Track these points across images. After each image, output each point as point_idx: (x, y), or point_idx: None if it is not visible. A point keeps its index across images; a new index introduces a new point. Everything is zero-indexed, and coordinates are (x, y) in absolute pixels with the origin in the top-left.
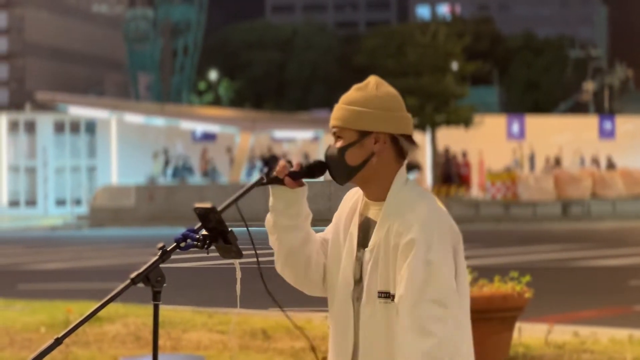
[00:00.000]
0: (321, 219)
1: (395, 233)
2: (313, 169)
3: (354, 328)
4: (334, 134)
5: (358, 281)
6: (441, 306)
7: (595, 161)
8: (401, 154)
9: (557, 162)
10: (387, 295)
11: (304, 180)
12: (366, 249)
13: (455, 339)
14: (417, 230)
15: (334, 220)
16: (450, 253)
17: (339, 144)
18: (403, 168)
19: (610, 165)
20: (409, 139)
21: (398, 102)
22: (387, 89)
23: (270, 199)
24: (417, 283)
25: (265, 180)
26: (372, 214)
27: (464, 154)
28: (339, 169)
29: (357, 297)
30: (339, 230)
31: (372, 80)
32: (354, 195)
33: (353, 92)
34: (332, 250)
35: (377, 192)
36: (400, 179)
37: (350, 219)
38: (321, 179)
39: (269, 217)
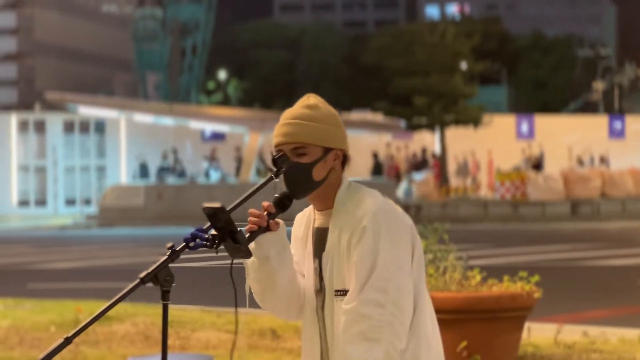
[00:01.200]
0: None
1: (349, 230)
2: (285, 200)
3: (319, 336)
4: (291, 150)
5: (319, 291)
6: (380, 291)
7: (603, 160)
8: (343, 168)
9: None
10: (344, 293)
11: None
12: (323, 254)
13: (394, 322)
14: (367, 220)
15: (291, 246)
16: (401, 240)
17: (306, 159)
18: (345, 177)
19: (602, 161)
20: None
21: (340, 117)
22: (330, 107)
23: (259, 253)
24: (364, 272)
25: (274, 180)
26: (321, 222)
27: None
28: (302, 184)
29: (321, 306)
30: (299, 253)
31: (317, 98)
32: (302, 216)
33: (305, 110)
34: (300, 270)
35: (326, 202)
36: (344, 185)
37: (305, 237)
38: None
39: (259, 273)
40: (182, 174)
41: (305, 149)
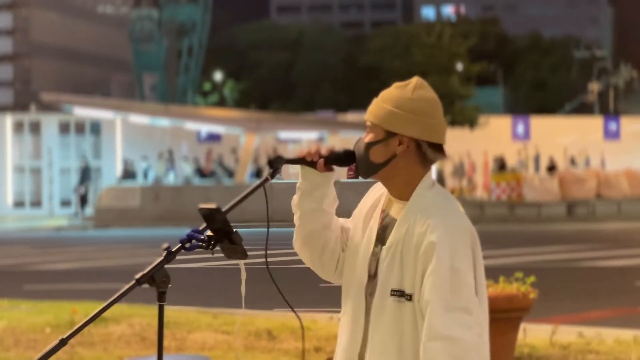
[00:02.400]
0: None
1: (418, 233)
2: (342, 157)
3: (364, 322)
4: (366, 127)
5: (372, 276)
6: (468, 313)
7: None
8: (426, 160)
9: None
10: (400, 294)
11: (334, 167)
12: (384, 247)
13: (480, 344)
14: (441, 234)
15: (354, 213)
16: (471, 258)
17: (368, 138)
18: (430, 173)
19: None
20: (437, 146)
21: (431, 108)
22: (424, 92)
23: (299, 179)
24: (444, 289)
25: (270, 181)
26: (393, 211)
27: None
28: (362, 163)
29: (370, 293)
30: (359, 224)
31: (414, 81)
32: (378, 191)
33: (392, 90)
34: (350, 244)
35: (400, 191)
36: (426, 181)
37: (371, 213)
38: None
39: (295, 196)
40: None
41: (372, 128)
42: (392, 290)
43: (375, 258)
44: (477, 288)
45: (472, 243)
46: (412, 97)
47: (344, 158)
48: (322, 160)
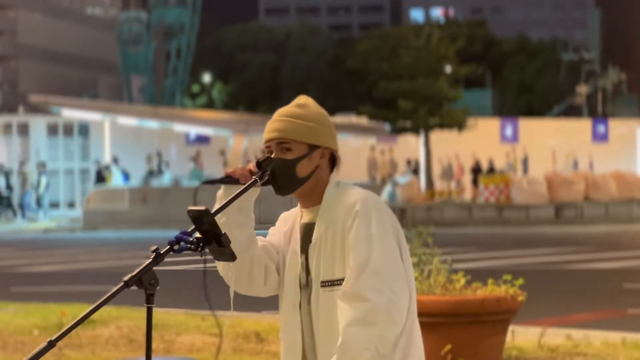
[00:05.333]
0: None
1: (340, 220)
2: (262, 165)
3: (301, 331)
4: (277, 144)
5: (305, 285)
6: (378, 275)
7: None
8: (332, 168)
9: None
10: (331, 284)
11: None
12: (309, 247)
13: (390, 307)
14: (359, 205)
15: (272, 231)
16: (390, 230)
17: (291, 155)
18: (333, 176)
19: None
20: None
21: (330, 121)
22: (321, 108)
23: (224, 197)
24: (361, 258)
25: (259, 182)
26: (308, 218)
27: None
28: (286, 180)
29: (307, 300)
30: (283, 246)
31: (307, 99)
32: (289, 215)
33: (294, 108)
34: (281, 266)
35: (313, 199)
36: (332, 182)
37: (290, 232)
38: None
39: (218, 217)
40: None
41: (290, 144)
42: (321, 282)
43: (303, 268)
44: (402, 254)
45: (387, 212)
46: (322, 113)
47: (265, 164)
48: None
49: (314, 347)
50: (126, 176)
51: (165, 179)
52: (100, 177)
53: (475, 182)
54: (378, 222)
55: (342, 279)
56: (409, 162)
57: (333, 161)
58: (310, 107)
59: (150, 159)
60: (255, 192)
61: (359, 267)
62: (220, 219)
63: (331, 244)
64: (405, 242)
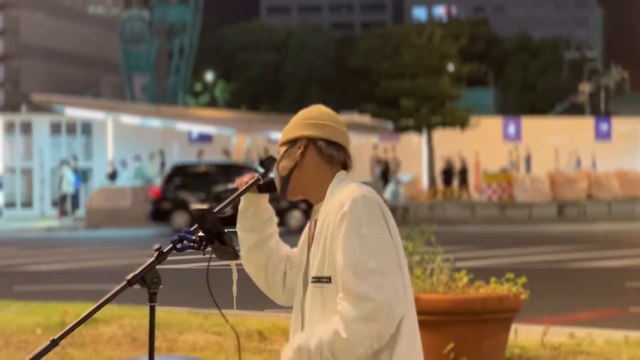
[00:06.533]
0: None
1: (329, 216)
2: (265, 165)
3: (301, 327)
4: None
5: (305, 283)
6: (379, 274)
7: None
8: (329, 159)
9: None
10: (318, 280)
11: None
12: (312, 244)
13: (392, 305)
14: (347, 206)
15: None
16: (384, 229)
17: (278, 157)
18: (341, 172)
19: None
20: (337, 146)
21: (327, 115)
22: (321, 108)
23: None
24: (354, 254)
25: (261, 182)
26: (316, 215)
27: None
28: (278, 182)
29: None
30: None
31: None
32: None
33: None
34: (299, 253)
35: (317, 196)
36: (338, 177)
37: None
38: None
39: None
40: (113, 176)
41: (280, 149)
42: (312, 278)
43: (307, 264)
44: (398, 254)
45: (382, 210)
46: (307, 111)
47: (267, 165)
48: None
49: None
50: (78, 178)
51: (122, 180)
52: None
53: (463, 182)
54: (370, 223)
55: (329, 277)
56: (378, 162)
57: (322, 152)
58: (304, 110)
59: (153, 158)
60: (264, 197)
61: (355, 267)
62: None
63: (323, 241)
64: (400, 242)
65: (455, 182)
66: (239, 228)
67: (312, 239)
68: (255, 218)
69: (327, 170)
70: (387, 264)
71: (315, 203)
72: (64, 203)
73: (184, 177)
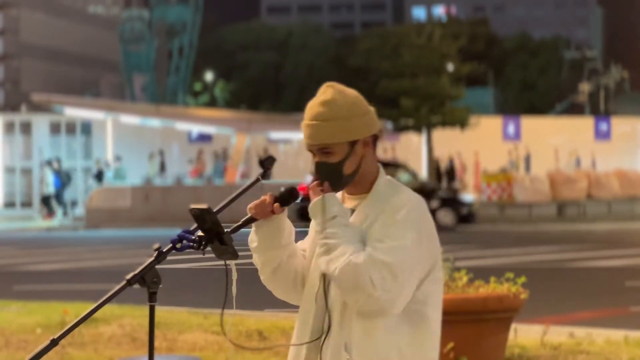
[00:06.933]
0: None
1: (380, 214)
2: (287, 196)
3: (325, 316)
4: (318, 150)
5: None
6: (391, 274)
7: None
8: (375, 147)
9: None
10: None
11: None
12: None
13: (395, 300)
14: (405, 213)
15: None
16: (424, 241)
17: (334, 158)
18: (380, 166)
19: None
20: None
21: (363, 101)
22: (350, 92)
23: (255, 234)
24: (393, 235)
25: (261, 181)
26: (351, 205)
27: (459, 155)
28: (336, 180)
29: (328, 283)
30: (312, 232)
31: (334, 90)
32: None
33: (321, 109)
34: (310, 246)
35: (361, 187)
36: (382, 176)
37: None
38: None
39: (253, 238)
40: (99, 176)
41: (330, 148)
42: None
43: None
44: (436, 274)
45: (429, 225)
46: (350, 102)
47: (288, 197)
48: (277, 205)
49: (330, 335)
50: (59, 180)
51: (106, 180)
52: (100, 176)
53: (450, 182)
54: (421, 232)
55: None
56: (378, 161)
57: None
58: (337, 102)
59: (152, 157)
60: (284, 215)
61: (390, 239)
62: (253, 243)
63: (369, 234)
64: (441, 259)
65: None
66: (266, 250)
67: None
68: (280, 238)
69: (375, 162)
70: (405, 271)
71: (352, 193)
72: (49, 204)
73: None
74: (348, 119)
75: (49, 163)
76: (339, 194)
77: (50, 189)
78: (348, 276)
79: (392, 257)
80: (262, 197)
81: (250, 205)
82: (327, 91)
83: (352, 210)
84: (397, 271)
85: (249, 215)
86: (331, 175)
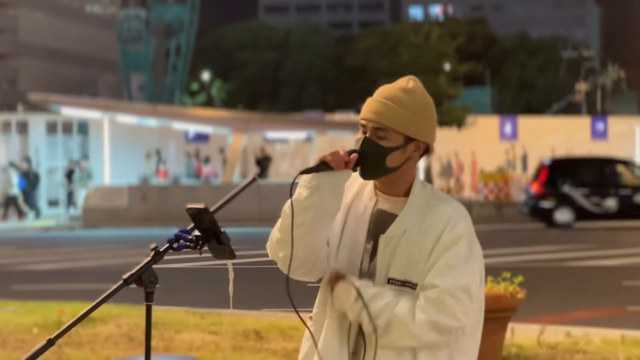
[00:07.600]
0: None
1: (436, 229)
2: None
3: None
4: (374, 128)
5: (365, 272)
6: (469, 297)
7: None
8: (421, 158)
9: None
10: (401, 284)
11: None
12: (382, 237)
13: (465, 330)
14: (462, 227)
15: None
16: (479, 258)
17: (385, 143)
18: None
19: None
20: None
21: (434, 110)
22: (426, 95)
23: (316, 181)
24: (456, 273)
25: (258, 181)
26: (386, 206)
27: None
28: (373, 166)
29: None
30: (338, 218)
31: (417, 83)
32: (353, 183)
33: (399, 93)
34: (331, 240)
35: (396, 189)
36: (418, 179)
37: (348, 208)
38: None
39: (305, 197)
40: (36, 178)
41: (387, 132)
42: (389, 279)
43: (367, 254)
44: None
45: (479, 248)
46: (426, 102)
47: (360, 154)
48: (354, 155)
49: (364, 337)
50: (24, 182)
51: (74, 179)
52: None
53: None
54: (476, 247)
55: (416, 284)
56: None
57: (424, 153)
58: (416, 95)
59: (149, 157)
60: (346, 174)
61: (453, 282)
62: (302, 202)
63: (414, 246)
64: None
65: (452, 182)
66: (325, 211)
67: (371, 229)
68: (340, 197)
69: (415, 168)
70: (476, 289)
71: (386, 193)
72: (16, 204)
73: (566, 171)
74: (418, 114)
75: (14, 164)
76: (370, 188)
77: (15, 190)
78: (430, 335)
79: (460, 281)
80: (337, 149)
81: (326, 154)
82: (409, 82)
83: (383, 211)
84: (472, 291)
85: (323, 161)
86: (373, 157)
